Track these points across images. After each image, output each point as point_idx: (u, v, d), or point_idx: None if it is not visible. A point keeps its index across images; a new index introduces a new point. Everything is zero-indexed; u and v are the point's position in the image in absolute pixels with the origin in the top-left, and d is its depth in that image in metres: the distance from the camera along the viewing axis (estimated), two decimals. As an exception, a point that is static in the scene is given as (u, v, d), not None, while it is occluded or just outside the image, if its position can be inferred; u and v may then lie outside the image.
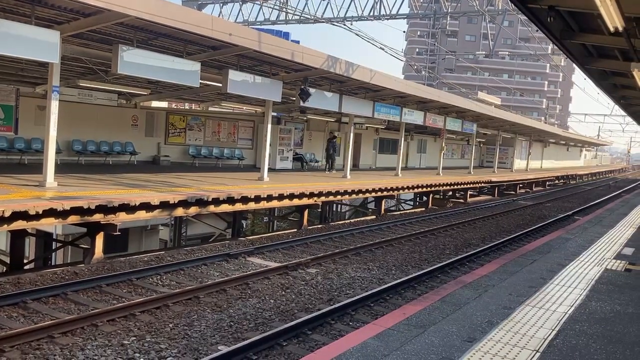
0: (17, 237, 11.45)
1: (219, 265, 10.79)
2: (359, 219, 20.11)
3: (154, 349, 6.49)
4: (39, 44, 9.87)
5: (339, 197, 17.25)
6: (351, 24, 23.51)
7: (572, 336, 5.26)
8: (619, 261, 9.20)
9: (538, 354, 4.73)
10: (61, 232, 14.06)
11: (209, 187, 13.49)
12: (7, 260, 12.06)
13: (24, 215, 8.98)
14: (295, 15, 25.27)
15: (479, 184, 28.92)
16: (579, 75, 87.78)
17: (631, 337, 5.37)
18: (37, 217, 9.19)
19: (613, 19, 6.77)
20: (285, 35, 23.30)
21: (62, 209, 9.39)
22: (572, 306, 6.29)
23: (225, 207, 13.05)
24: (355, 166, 26.68)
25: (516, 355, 4.66)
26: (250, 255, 11.74)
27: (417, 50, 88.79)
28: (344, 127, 25.37)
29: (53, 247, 14.53)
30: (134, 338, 6.78)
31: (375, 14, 23.21)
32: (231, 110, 24.21)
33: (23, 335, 6.41)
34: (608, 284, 7.50)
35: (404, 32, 57.55)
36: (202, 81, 14.04)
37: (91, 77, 15.38)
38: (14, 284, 8.64)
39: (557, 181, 45.55)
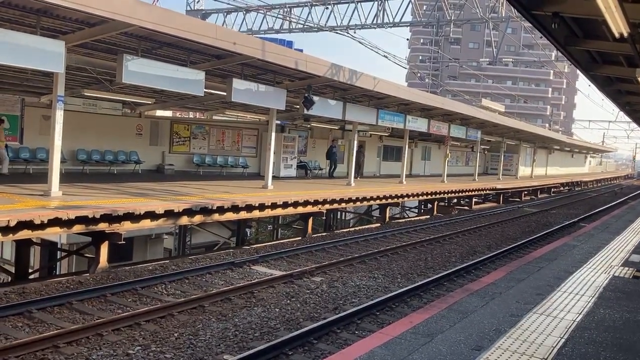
0: (22, 247, 11.45)
1: (224, 274, 10.76)
2: (363, 227, 20.05)
3: (159, 358, 6.45)
4: (44, 54, 9.91)
5: (343, 204, 17.21)
6: (354, 32, 23.54)
7: (581, 344, 5.20)
8: (626, 268, 9.13)
9: (547, 363, 4.68)
10: (66, 242, 14.06)
11: (214, 196, 13.48)
12: (12, 269, 12.05)
13: (29, 225, 8.98)
14: (299, 24, 25.39)
15: (484, 191, 28.83)
16: (583, 82, 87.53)
17: (641, 345, 5.30)
18: (42, 226, 9.19)
19: (618, 25, 6.75)
20: (289, 44, 23.38)
21: (67, 218, 9.40)
22: (580, 314, 6.23)
23: (229, 216, 13.03)
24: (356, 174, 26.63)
25: (525, 364, 4.61)
26: (254, 263, 11.70)
27: (420, 57, 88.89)
28: (347, 134, 25.38)
29: (58, 257, 14.54)
30: (139, 347, 6.74)
31: (379, 22, 23.29)
32: (235, 119, 24.25)
33: (28, 345, 6.39)
34: (616, 291, 7.43)
35: (407, 39, 57.67)
36: (206, 90, 14.06)
37: (96, 87, 15.44)
38: (19, 294, 8.63)
39: (562, 188, 45.38)
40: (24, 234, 9.13)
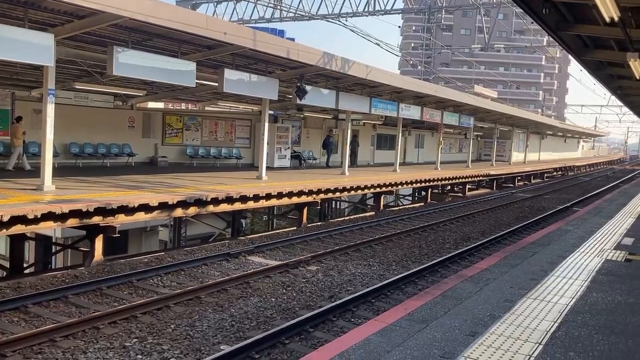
0: (17, 242, 11.42)
1: (220, 265, 10.78)
2: (358, 216, 20.10)
3: (156, 350, 6.48)
4: (33, 47, 9.82)
5: (337, 194, 17.24)
6: (346, 20, 23.45)
7: (574, 328, 5.26)
8: (619, 251, 9.21)
9: (541, 347, 4.73)
10: (60, 236, 14.02)
11: (208, 187, 13.46)
12: (7, 264, 12.02)
13: (22, 220, 8.95)
14: (290, 12, 25.23)
15: (477, 178, 28.94)
16: (574, 67, 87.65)
17: (633, 328, 5.37)
18: (36, 221, 9.16)
19: (608, 9, 6.76)
20: (280, 33, 23.29)
21: (60, 212, 9.37)
22: (573, 298, 6.29)
23: (224, 207, 13.03)
24: (352, 162, 26.66)
25: (519, 348, 4.66)
26: (250, 254, 11.73)
27: (412, 45, 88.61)
28: (341, 124, 25.34)
29: (53, 251, 14.51)
30: (136, 340, 6.77)
31: (370, 9, 23.19)
32: (228, 110, 24.14)
33: (25, 340, 6.40)
34: (609, 275, 7.50)
35: (399, 27, 57.54)
36: (198, 81, 13.98)
37: (87, 80, 15.32)
38: (15, 289, 8.62)
39: (555, 173, 45.59)
40: (18, 228, 9.10)
